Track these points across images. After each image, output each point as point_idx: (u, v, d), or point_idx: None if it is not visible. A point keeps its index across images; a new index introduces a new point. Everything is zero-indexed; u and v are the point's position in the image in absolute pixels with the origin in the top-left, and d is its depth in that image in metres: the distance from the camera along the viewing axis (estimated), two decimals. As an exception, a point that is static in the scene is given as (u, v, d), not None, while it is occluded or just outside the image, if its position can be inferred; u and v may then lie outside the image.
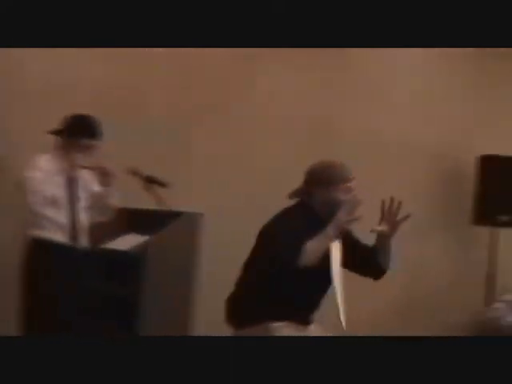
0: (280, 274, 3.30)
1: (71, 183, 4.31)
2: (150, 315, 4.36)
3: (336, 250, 3.44)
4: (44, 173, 4.19)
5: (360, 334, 4.99)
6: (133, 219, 4.74)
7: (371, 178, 5.87)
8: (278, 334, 3.32)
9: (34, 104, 4.83)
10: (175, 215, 4.49)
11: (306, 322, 3.49)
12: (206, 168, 5.31)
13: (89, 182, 4.38)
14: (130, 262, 4.46)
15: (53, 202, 4.22)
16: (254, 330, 3.35)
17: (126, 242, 4.67)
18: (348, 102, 5.77)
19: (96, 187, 4.39)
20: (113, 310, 4.47)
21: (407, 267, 5.74)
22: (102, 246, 4.63)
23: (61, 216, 4.26)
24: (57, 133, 4.30)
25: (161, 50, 4.64)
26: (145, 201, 4.61)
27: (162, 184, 4.66)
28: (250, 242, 5.24)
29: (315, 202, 3.49)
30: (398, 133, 5.83)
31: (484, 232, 5.83)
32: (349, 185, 3.48)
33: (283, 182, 5.50)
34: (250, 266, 3.52)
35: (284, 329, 3.37)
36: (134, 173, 4.65)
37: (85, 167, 4.24)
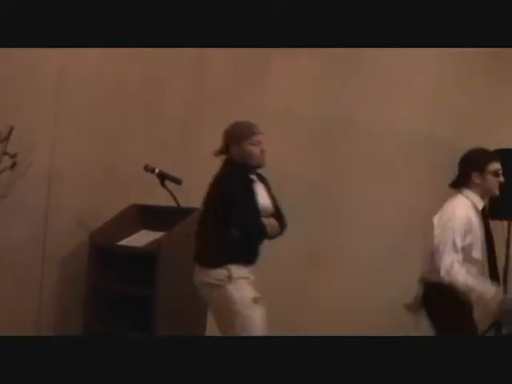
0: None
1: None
2: (164, 313, 4.44)
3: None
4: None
5: (376, 330, 5.03)
6: (146, 216, 4.82)
7: (387, 174, 5.90)
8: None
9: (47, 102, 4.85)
10: (188, 212, 4.54)
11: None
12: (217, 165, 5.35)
13: None
14: (145, 259, 4.54)
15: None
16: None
17: (141, 239, 4.74)
18: (363, 101, 5.79)
19: None
20: (129, 308, 4.56)
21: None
22: (118, 244, 4.72)
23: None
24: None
25: (174, 49, 4.64)
26: (158, 198, 4.68)
27: (176, 181, 4.72)
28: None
29: (234, 156, 4.05)
30: (414, 130, 5.84)
31: (500, 226, 5.80)
32: (257, 138, 4.06)
33: (296, 180, 5.58)
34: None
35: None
36: (149, 169, 4.72)
37: None
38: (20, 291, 4.65)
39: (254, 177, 4.09)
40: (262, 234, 4.00)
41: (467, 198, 4.21)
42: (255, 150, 4.05)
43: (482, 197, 4.26)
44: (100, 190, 4.94)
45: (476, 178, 4.20)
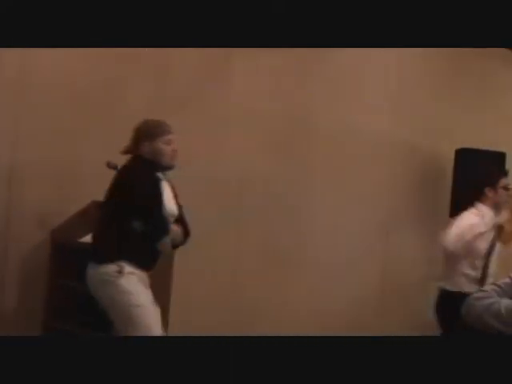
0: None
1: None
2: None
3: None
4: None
5: (338, 329, 5.07)
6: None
7: (348, 174, 5.94)
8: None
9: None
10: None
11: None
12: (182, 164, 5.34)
13: None
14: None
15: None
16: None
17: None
18: (324, 101, 5.81)
19: None
20: (90, 306, 4.52)
21: (384, 260, 5.81)
22: (79, 241, 4.69)
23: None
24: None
25: (141, 49, 4.60)
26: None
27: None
28: (229, 238, 5.29)
29: (144, 153, 3.99)
30: (374, 130, 5.88)
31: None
32: (169, 137, 4.00)
33: (258, 180, 5.58)
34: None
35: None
36: (111, 166, 4.68)
37: None
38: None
39: (161, 176, 4.00)
40: (164, 231, 3.87)
41: (477, 209, 4.78)
42: (167, 148, 3.99)
43: (494, 210, 4.76)
44: (62, 188, 4.91)
45: (489, 192, 4.75)
